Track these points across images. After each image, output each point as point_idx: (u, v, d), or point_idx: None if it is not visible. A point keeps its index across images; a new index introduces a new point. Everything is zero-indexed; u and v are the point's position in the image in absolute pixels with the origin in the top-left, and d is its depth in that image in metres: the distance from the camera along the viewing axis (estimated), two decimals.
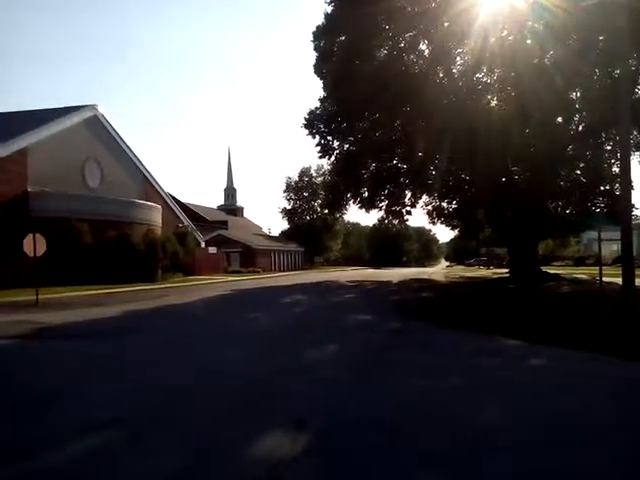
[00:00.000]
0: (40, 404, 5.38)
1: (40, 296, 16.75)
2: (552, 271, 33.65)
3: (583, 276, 31.35)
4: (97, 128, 32.09)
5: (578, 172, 28.16)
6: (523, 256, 29.19)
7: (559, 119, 24.83)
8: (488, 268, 61.85)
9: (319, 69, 29.20)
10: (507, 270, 37.32)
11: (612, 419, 4.89)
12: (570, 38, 20.77)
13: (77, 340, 9.68)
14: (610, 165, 26.71)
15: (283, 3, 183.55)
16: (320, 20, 27.98)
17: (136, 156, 35.95)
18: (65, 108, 30.92)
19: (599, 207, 26.92)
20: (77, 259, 25.13)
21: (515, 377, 6.69)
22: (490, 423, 4.84)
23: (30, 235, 17.17)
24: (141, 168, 36.55)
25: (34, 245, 16.96)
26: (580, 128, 25.72)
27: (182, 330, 11.35)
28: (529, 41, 22.46)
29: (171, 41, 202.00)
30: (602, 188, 27.19)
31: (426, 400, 5.54)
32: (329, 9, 27.09)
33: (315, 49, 28.96)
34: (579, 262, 58.78)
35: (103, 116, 32.51)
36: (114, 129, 33.58)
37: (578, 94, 24.28)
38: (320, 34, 28.26)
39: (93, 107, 31.69)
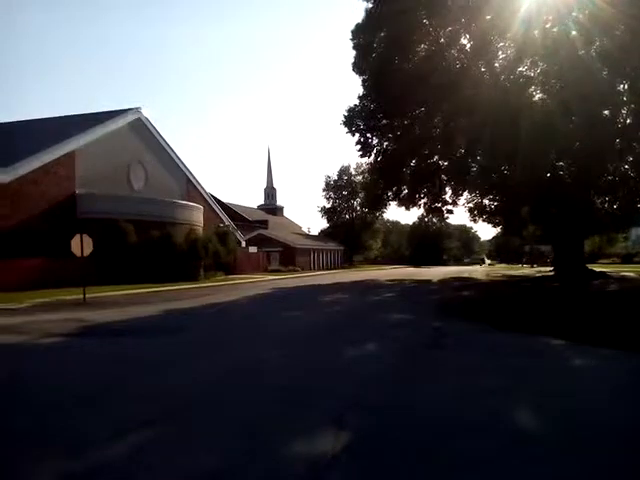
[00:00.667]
0: (85, 400, 5.52)
1: (87, 295, 17.24)
2: (598, 269, 32.77)
3: (630, 274, 30.38)
4: (141, 130, 32.85)
5: (626, 166, 27.26)
6: (568, 254, 28.51)
7: (606, 112, 24.08)
8: (532, 266, 60.57)
9: (358, 66, 29.15)
10: (551, 268, 36.52)
11: None
12: (617, 28, 20.12)
13: (122, 337, 9.92)
14: None
15: (326, 1, 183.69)
16: (359, 18, 28.03)
17: (179, 157, 36.66)
18: (110, 112, 31.78)
19: None
20: (122, 259, 25.80)
21: (557, 378, 6.53)
22: (529, 426, 4.75)
23: (77, 236, 17.67)
24: (183, 169, 37.23)
25: (81, 245, 17.45)
26: (628, 121, 24.89)
27: (224, 328, 11.49)
28: (574, 32, 21.86)
29: (209, 40, 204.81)
30: None
31: (465, 401, 5.47)
32: (369, 5, 27.05)
33: (354, 47, 28.92)
34: (627, 259, 57.00)
35: (147, 119, 33.30)
36: (157, 131, 34.33)
37: (626, 86, 23.49)
38: (359, 31, 28.22)
39: (137, 110, 32.43)
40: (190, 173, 38.01)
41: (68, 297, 17.96)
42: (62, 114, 34.76)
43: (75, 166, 26.92)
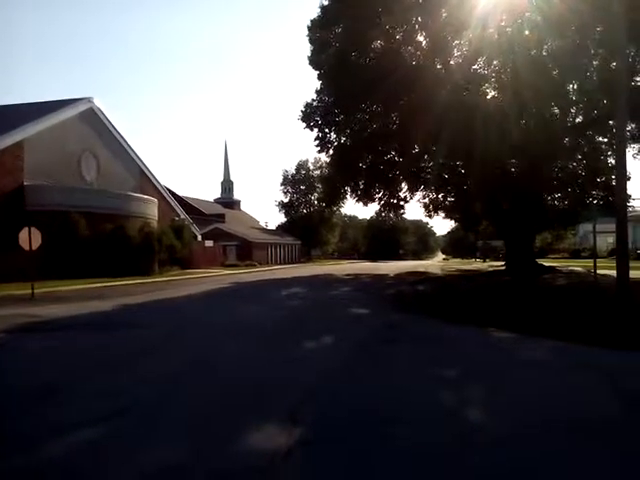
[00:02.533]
0: (35, 398, 5.36)
1: (36, 290, 16.70)
2: (548, 264, 33.72)
3: (578, 268, 31.40)
4: (93, 121, 31.91)
5: (574, 164, 28.16)
6: (519, 249, 29.24)
7: (556, 110, 24.77)
8: (484, 261, 61.96)
9: (315, 61, 29.05)
10: (503, 263, 37.42)
11: (607, 408, 4.91)
12: (568, 29, 20.68)
13: (71, 333, 9.67)
14: (606, 157, 26.72)
15: None
16: (315, 13, 27.93)
17: (132, 149, 35.77)
18: (61, 101, 30.73)
19: (595, 199, 26.96)
20: (73, 252, 25.07)
21: (506, 369, 6.70)
22: (475, 414, 4.87)
23: (26, 228, 17.11)
24: (137, 161, 36.38)
25: (30, 238, 16.91)
26: (577, 120, 25.69)
27: (178, 324, 11.32)
28: (527, 32, 22.36)
29: (167, 34, 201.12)
30: (598, 180, 27.22)
31: (418, 390, 5.56)
32: (325, 2, 26.99)
33: (310, 42, 28.84)
34: (575, 254, 58.96)
35: (99, 109, 32.34)
36: (110, 122, 33.41)
37: (575, 86, 24.21)
38: (316, 26, 28.12)
39: (89, 100, 31.49)
40: (144, 165, 37.17)
41: (15, 292, 17.37)
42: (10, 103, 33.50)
43: (24, 156, 25.96)
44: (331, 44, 27.32)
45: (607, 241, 46.28)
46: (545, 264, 32.19)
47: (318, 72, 29.30)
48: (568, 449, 3.90)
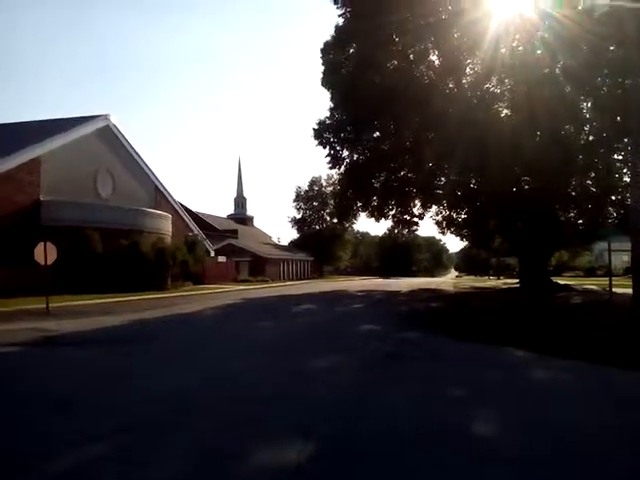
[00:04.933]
0: (47, 412, 5.40)
1: (51, 304, 16.85)
2: (562, 282, 33.47)
3: (593, 287, 31.11)
4: (109, 138, 32.32)
5: (589, 182, 27.97)
6: (533, 266, 29.05)
7: (570, 128, 24.70)
8: (498, 278, 61.54)
9: (327, 81, 29.37)
10: (517, 280, 37.14)
11: (617, 429, 4.85)
12: (580, 48, 20.73)
13: (86, 348, 9.73)
14: (621, 175, 26.52)
15: (294, 16, 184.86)
16: (329, 33, 28.35)
17: (147, 165, 36.14)
18: (78, 118, 31.19)
19: (610, 218, 26.73)
20: (88, 268, 25.27)
21: (520, 389, 6.63)
22: (488, 434, 4.82)
23: (41, 243, 17.30)
24: (152, 177, 36.73)
25: (45, 253, 17.08)
26: (591, 138, 25.59)
27: (191, 339, 11.37)
28: (539, 51, 22.43)
29: (182, 52, 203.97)
30: (613, 198, 27.01)
31: (426, 410, 5.52)
32: (340, 21, 27.36)
33: (324, 63, 29.23)
34: (590, 273, 58.46)
35: (115, 126, 32.74)
36: (126, 139, 33.80)
37: (589, 104, 24.18)
38: (329, 47, 28.55)
39: (105, 117, 31.92)
40: (159, 181, 37.52)
41: (31, 307, 17.50)
42: (28, 119, 34.03)
43: (40, 172, 26.32)
44: (344, 65, 27.64)
45: (622, 259, 45.76)
46: (560, 282, 31.95)
47: (331, 92, 29.60)
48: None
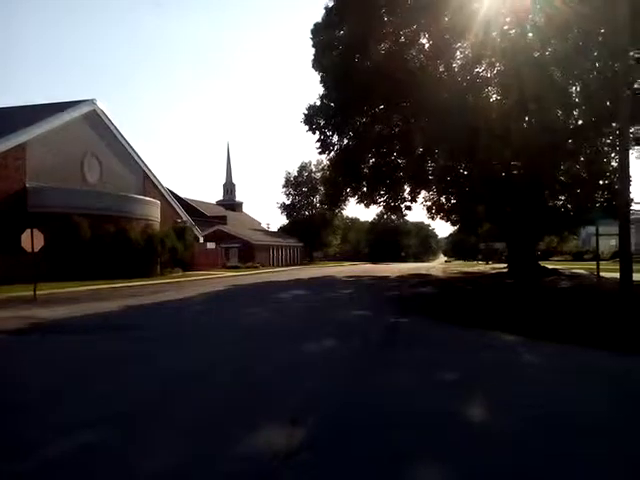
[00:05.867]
0: (36, 400, 5.36)
1: (38, 292, 16.71)
2: (551, 266, 33.72)
3: (581, 271, 31.39)
4: (96, 123, 31.92)
5: (577, 167, 28.09)
6: (522, 251, 29.21)
7: (559, 113, 24.72)
8: (487, 263, 61.89)
9: (318, 63, 29.10)
10: (505, 265, 37.39)
11: (607, 411, 4.88)
12: (570, 32, 20.68)
13: (73, 335, 9.65)
14: (609, 159, 26.65)
15: None
16: (319, 17, 28.03)
17: (135, 151, 35.78)
18: (64, 103, 30.74)
19: (598, 202, 26.89)
20: (76, 254, 25.10)
21: (509, 373, 6.66)
22: (478, 418, 4.84)
23: (28, 230, 17.11)
24: (140, 163, 36.39)
25: (32, 240, 16.90)
26: (580, 122, 25.65)
27: (180, 326, 11.34)
28: (530, 35, 22.36)
29: (170, 37, 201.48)
30: (601, 183, 27.14)
31: (419, 394, 5.53)
32: (330, 3, 27.06)
33: (314, 45, 28.90)
34: (578, 257, 58.95)
35: (102, 111, 32.33)
36: (113, 124, 33.41)
37: (578, 88, 24.18)
38: (319, 29, 28.22)
39: (92, 102, 31.49)
40: (147, 167, 37.17)
41: (17, 294, 17.38)
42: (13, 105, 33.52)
43: (26, 158, 26.00)
44: (334, 46, 27.36)
45: (610, 244, 46.22)
46: (548, 266, 32.17)
47: (321, 75, 29.34)
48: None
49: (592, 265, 29.59)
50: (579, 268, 35.39)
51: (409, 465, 3.67)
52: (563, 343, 8.42)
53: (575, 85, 24.01)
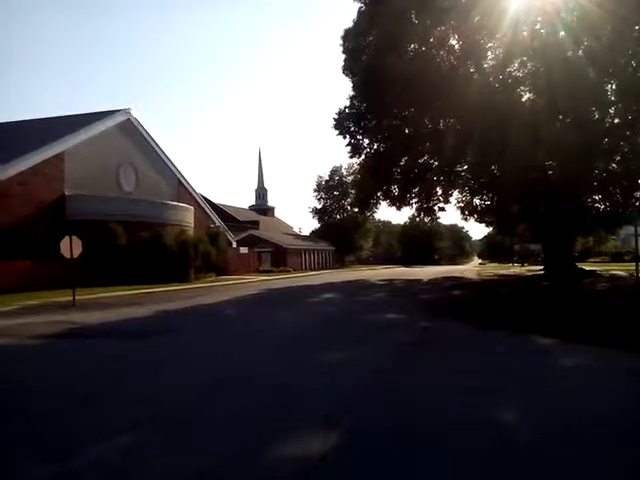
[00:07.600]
0: (73, 403, 5.50)
1: (77, 297, 17.11)
2: (588, 267, 33.03)
3: (620, 272, 30.63)
4: (131, 132, 32.66)
5: (614, 165, 27.44)
6: (558, 252, 28.67)
7: (593, 112, 24.21)
8: (522, 265, 60.86)
9: (348, 68, 29.23)
10: (541, 267, 36.71)
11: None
12: (603, 29, 20.26)
13: (112, 340, 9.87)
14: None
15: (314, 4, 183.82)
16: (348, 23, 28.28)
17: (169, 158, 36.47)
18: (99, 113, 31.56)
19: (637, 201, 26.21)
20: (112, 260, 25.63)
21: (546, 376, 6.56)
22: (514, 423, 4.79)
23: (67, 237, 17.55)
24: (174, 170, 37.04)
25: (70, 247, 17.33)
26: (616, 120, 25.06)
27: (215, 330, 11.48)
28: (562, 33, 21.99)
29: (199, 42, 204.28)
30: (639, 182, 26.46)
31: (453, 399, 5.49)
32: (360, 7, 27.20)
33: (344, 51, 29.11)
34: (616, 258, 57.49)
35: (137, 120, 33.07)
36: (147, 132, 34.12)
37: (613, 86, 23.65)
38: (349, 34, 28.41)
39: (126, 111, 32.23)
40: (180, 174, 37.81)
41: (57, 299, 17.84)
42: (50, 115, 34.51)
43: (64, 167, 26.74)
44: (365, 51, 27.43)
45: None
46: (585, 268, 31.51)
47: (352, 79, 29.45)
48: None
49: (631, 266, 28.85)
50: (618, 269, 34.54)
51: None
52: (600, 346, 8.23)
53: (610, 83, 23.51)
